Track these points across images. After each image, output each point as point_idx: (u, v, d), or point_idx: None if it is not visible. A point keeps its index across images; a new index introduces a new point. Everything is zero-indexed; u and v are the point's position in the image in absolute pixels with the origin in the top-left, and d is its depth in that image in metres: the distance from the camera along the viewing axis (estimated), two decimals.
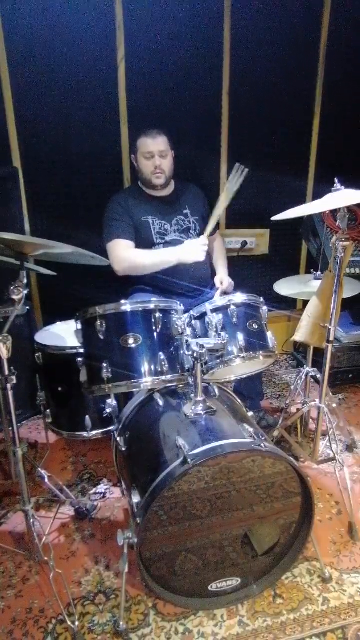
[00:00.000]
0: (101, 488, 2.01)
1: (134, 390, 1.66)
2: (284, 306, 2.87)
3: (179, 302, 1.62)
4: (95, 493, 1.98)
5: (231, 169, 2.03)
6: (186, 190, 2.42)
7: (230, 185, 2.03)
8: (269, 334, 1.67)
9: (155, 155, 2.19)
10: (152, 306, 1.52)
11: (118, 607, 1.46)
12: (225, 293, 2.16)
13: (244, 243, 2.92)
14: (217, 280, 2.28)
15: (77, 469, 2.14)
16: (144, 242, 2.24)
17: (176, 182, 2.39)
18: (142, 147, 2.21)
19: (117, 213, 2.22)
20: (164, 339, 1.52)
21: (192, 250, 2.10)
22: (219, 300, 1.64)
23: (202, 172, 2.78)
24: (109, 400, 1.77)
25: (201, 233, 2.40)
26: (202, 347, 1.45)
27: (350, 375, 2.75)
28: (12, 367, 1.42)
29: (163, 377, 1.49)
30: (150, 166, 2.21)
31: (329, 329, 1.69)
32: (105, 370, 1.46)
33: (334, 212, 2.48)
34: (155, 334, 1.51)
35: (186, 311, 1.65)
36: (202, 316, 1.63)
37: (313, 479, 2.04)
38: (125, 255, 2.17)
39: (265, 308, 1.70)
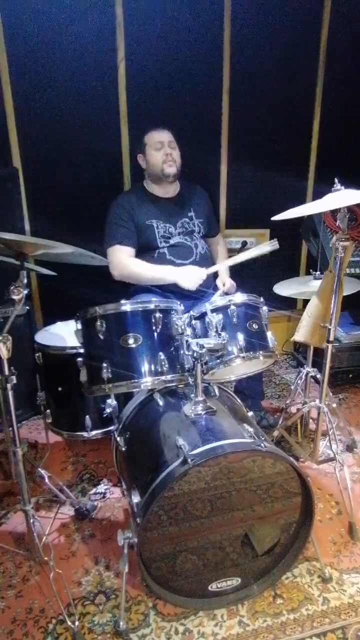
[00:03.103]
0: (101, 488, 2.01)
1: (134, 390, 1.65)
2: (284, 306, 2.86)
3: (179, 302, 1.62)
4: (95, 493, 1.98)
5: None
6: (191, 191, 2.42)
7: (256, 250, 2.12)
8: (269, 334, 1.67)
9: (166, 145, 2.22)
10: (152, 306, 1.52)
11: (118, 607, 1.46)
12: (226, 294, 2.16)
13: (244, 243, 2.92)
14: (219, 281, 2.28)
15: (77, 469, 2.14)
16: (148, 245, 2.23)
17: (181, 183, 2.39)
18: (150, 139, 2.23)
19: (120, 217, 2.21)
20: (164, 339, 1.52)
21: (189, 279, 2.12)
22: (219, 300, 1.63)
23: (202, 172, 2.78)
24: (109, 400, 1.77)
25: (205, 235, 2.41)
26: (202, 347, 1.45)
27: (350, 375, 2.75)
28: (12, 367, 1.42)
29: (163, 377, 1.49)
30: (161, 155, 2.22)
31: (329, 329, 1.69)
32: (105, 370, 1.46)
33: (334, 212, 2.49)
34: (155, 334, 1.51)
35: (186, 311, 1.65)
36: (202, 316, 1.63)
37: (313, 479, 2.04)
38: (125, 262, 2.17)
39: (265, 308, 1.70)
